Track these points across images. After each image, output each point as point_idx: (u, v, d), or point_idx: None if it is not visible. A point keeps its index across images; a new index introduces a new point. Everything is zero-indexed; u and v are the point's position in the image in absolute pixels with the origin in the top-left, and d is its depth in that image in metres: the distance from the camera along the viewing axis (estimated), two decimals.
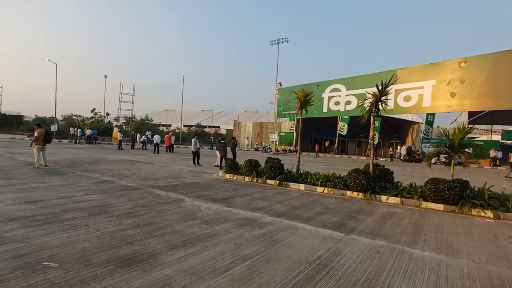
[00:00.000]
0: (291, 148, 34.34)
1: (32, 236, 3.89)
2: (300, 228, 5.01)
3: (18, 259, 3.19)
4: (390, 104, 21.83)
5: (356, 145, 41.30)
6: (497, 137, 39.15)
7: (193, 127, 62.41)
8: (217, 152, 13.95)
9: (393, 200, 7.62)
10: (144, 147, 26.35)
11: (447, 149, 7.74)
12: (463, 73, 17.98)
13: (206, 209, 5.97)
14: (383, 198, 7.77)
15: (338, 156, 31.91)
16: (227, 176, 10.90)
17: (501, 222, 6.09)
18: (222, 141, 14.15)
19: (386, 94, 8.75)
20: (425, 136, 32.20)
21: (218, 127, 74.44)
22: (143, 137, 28.54)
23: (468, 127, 7.63)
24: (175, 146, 27.11)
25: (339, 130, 33.62)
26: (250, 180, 10.20)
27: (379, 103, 8.82)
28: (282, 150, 32.85)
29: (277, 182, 9.52)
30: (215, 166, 13.75)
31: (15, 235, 3.91)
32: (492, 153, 24.67)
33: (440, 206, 6.98)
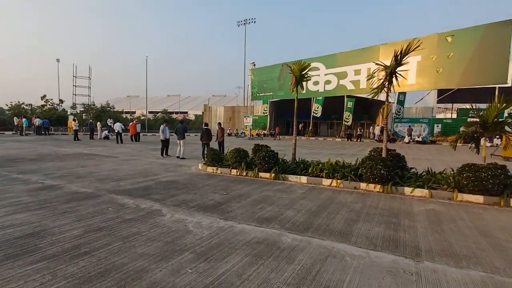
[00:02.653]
0: (266, 132, 32.74)
1: None
2: (344, 253, 3.33)
3: None
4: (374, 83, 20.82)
5: (328, 127, 40.75)
6: (453, 116, 40.55)
7: (159, 114, 58.44)
8: (181, 141, 11.74)
9: (419, 192, 6.22)
10: (107, 136, 23.18)
11: (480, 129, 6.41)
12: (450, 48, 17.32)
13: (196, 227, 4.07)
14: (407, 190, 6.34)
15: (313, 138, 30.87)
16: (209, 169, 8.95)
17: None
18: (206, 127, 11.96)
19: (401, 65, 7.18)
20: (397, 116, 32.10)
21: (186, 113, 70.81)
22: (109, 124, 25.22)
23: (505, 100, 6.21)
24: (141, 134, 24.29)
25: (313, 112, 32.47)
26: (238, 173, 8.34)
27: (393, 76, 7.26)
28: (257, 134, 31.14)
29: (273, 175, 7.78)
30: (177, 157, 11.61)
31: None
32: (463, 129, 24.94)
33: (479, 198, 5.68)
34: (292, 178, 7.63)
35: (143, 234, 3.73)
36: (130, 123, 21.82)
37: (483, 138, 6.43)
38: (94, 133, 23.11)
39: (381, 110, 37.87)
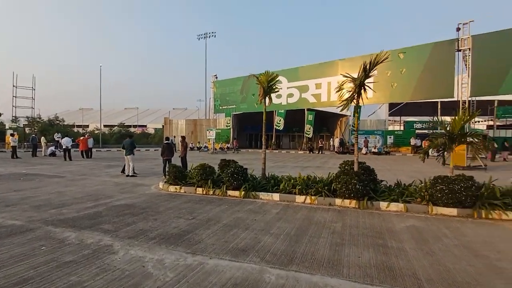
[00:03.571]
0: (229, 145, 31.98)
1: None
2: None
3: None
4: (333, 96, 21.34)
5: (290, 139, 41.23)
6: (401, 128, 43.55)
7: (116, 127, 54.85)
8: (129, 157, 10.47)
9: (395, 207, 5.98)
10: (54, 153, 20.66)
11: (445, 140, 6.42)
12: (402, 64, 18.35)
13: (158, 267, 3.25)
14: (383, 205, 6.07)
15: (276, 151, 30.80)
16: (172, 188, 8.01)
17: None
18: (167, 141, 10.86)
19: (370, 76, 7.07)
20: (353, 128, 33.35)
21: (145, 126, 67.59)
22: (56, 139, 22.59)
23: (472, 112, 6.30)
24: (94, 150, 22.15)
25: (275, 125, 32.55)
26: (205, 192, 7.54)
27: (362, 88, 7.11)
28: (220, 148, 30.26)
29: (243, 193, 7.10)
30: (126, 175, 10.41)
31: None
32: (413, 141, 26.54)
33: (453, 211, 5.56)
34: (264, 195, 7.03)
35: (86, 284, 2.83)
36: (81, 138, 19.76)
37: (450, 149, 6.45)
38: (38, 149, 20.50)
39: (339, 122, 39.38)
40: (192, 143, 32.32)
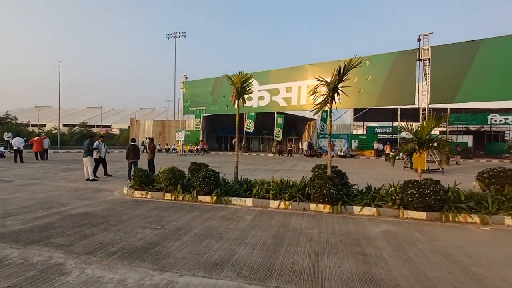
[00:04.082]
0: (198, 147, 31.17)
1: None
2: None
3: None
4: (303, 100, 21.58)
5: (260, 142, 41.28)
6: (363, 132, 45.50)
7: (77, 127, 51.25)
8: (86, 160, 9.56)
9: (368, 211, 5.95)
10: (2, 154, 18.60)
11: (416, 145, 6.55)
12: (369, 71, 19.00)
13: None
14: (356, 209, 6.02)
15: (246, 154, 30.55)
16: (138, 194, 7.39)
17: (499, 229, 5.08)
18: (133, 143, 10.07)
19: (343, 80, 7.05)
20: (321, 132, 34.15)
21: (109, 126, 64.07)
22: (6, 138, 20.39)
23: (438, 116, 6.49)
24: (51, 151, 20.33)
25: (246, 127, 32.31)
26: (174, 198, 7.03)
27: (335, 92, 7.07)
28: (189, 150, 29.37)
29: (214, 198, 6.71)
30: (86, 179, 9.59)
31: None
32: (376, 145, 27.70)
33: (423, 215, 5.65)
34: (237, 201, 6.70)
35: None
36: (35, 138, 18.03)
37: (419, 153, 6.59)
38: None
39: (307, 126, 40.15)
40: (160, 145, 31.05)
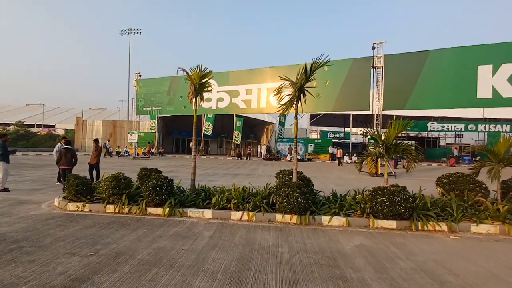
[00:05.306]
0: (153, 150, 29.06)
1: None
2: None
3: None
4: (263, 103, 21.07)
5: (218, 145, 40.20)
6: (315, 137, 46.98)
7: (12, 126, 44.89)
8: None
9: (337, 221, 5.45)
10: None
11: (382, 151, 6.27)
12: (327, 76, 19.14)
13: None
14: (325, 219, 5.49)
15: (205, 157, 29.26)
16: (72, 206, 6.04)
17: (467, 237, 4.90)
18: (67, 145, 8.32)
19: (310, 80, 6.55)
20: (279, 135, 34.23)
21: (53, 126, 57.46)
22: None
23: (406, 122, 6.26)
24: None
25: (204, 130, 31.02)
26: (118, 210, 5.84)
27: (301, 92, 6.54)
28: (143, 153, 27.17)
29: (167, 210, 5.69)
30: (57, 182, 7.90)
31: None
32: (331, 149, 28.39)
33: (392, 224, 5.30)
34: (193, 212, 5.75)
35: None
36: None
37: (384, 158, 6.33)
38: None
39: (265, 129, 40.06)
40: (110, 147, 28.31)
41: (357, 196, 6.17)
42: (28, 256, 3.57)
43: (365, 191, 6.29)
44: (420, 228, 5.23)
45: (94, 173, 9.19)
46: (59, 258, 3.54)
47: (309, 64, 6.22)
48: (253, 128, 39.13)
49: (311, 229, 5.14)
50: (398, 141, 6.40)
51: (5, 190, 7.72)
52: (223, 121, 34.56)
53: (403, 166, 20.40)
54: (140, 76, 27.40)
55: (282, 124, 34.71)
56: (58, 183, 8.94)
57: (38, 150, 29.21)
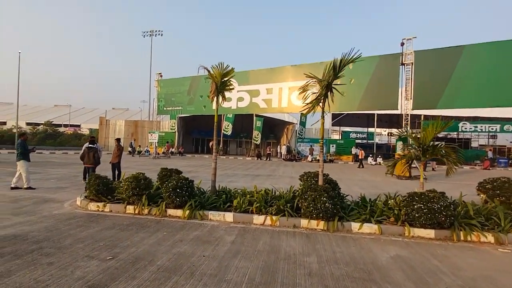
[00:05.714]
0: (173, 150, 29.46)
1: None
2: None
3: None
4: (284, 103, 20.71)
5: (238, 145, 40.17)
6: (336, 137, 45.78)
7: (41, 126, 47.34)
8: (18, 164, 7.92)
9: (368, 228, 5.05)
10: None
11: (417, 153, 5.78)
12: (352, 74, 18.49)
13: None
14: (354, 226, 5.11)
15: (224, 157, 29.29)
16: (93, 206, 6.03)
17: None
18: (92, 145, 8.50)
19: (338, 77, 6.18)
20: (300, 136, 33.68)
21: (79, 126, 60.09)
22: None
23: (445, 122, 5.75)
24: (5, 151, 17.96)
25: (223, 130, 31.06)
26: (138, 211, 5.76)
27: (329, 90, 6.18)
28: (163, 152, 27.61)
29: (187, 212, 5.53)
30: (11, 188, 7.90)
31: None
32: (354, 150, 27.51)
33: (431, 233, 4.83)
34: (214, 215, 5.56)
35: None
36: None
37: (421, 161, 5.84)
38: None
39: (285, 130, 39.61)
40: (131, 147, 28.98)
41: (389, 202, 5.72)
42: (48, 258, 3.49)
43: (397, 196, 5.84)
44: (462, 238, 4.72)
45: (116, 172, 9.28)
46: (78, 261, 3.43)
47: (338, 60, 5.84)
48: (273, 128, 38.76)
49: (340, 236, 4.79)
50: (436, 142, 5.88)
51: (30, 188, 7.90)
52: (242, 121, 34.46)
53: (432, 169, 19.28)
54: (161, 76, 27.87)
55: (303, 124, 34.14)
56: (83, 181, 9.10)
57: (64, 149, 30.50)
